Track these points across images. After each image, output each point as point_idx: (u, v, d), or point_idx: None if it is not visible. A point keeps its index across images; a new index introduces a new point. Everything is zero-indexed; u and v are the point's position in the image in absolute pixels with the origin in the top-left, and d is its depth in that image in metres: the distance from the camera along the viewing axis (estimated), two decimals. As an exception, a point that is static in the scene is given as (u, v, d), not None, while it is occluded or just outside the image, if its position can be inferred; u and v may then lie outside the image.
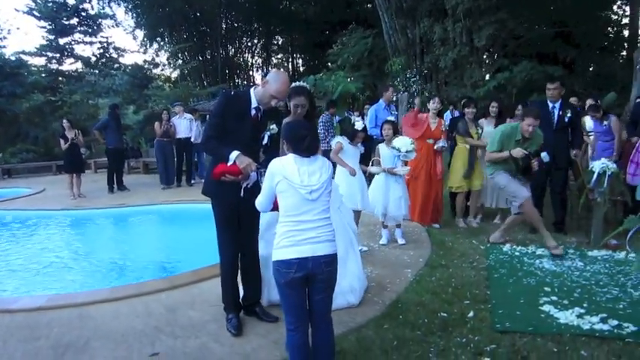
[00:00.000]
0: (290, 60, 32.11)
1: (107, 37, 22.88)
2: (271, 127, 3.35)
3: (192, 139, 10.22)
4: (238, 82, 29.73)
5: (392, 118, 5.92)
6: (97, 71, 22.98)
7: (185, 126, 10.22)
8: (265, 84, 3.16)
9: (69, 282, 5.07)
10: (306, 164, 2.53)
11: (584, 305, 3.44)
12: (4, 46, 20.30)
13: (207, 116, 11.28)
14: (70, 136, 9.19)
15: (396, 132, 5.16)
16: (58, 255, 6.01)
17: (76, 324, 3.56)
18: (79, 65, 23.03)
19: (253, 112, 3.24)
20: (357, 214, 4.80)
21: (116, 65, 23.74)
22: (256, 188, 3.32)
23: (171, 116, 10.29)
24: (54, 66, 22.22)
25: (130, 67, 23.66)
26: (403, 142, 4.90)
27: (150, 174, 12.67)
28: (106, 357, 3.07)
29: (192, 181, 10.56)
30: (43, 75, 21.07)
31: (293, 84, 3.78)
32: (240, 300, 3.52)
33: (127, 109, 24.41)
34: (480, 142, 5.70)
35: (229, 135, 3.15)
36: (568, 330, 3.09)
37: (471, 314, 3.41)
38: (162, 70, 27.29)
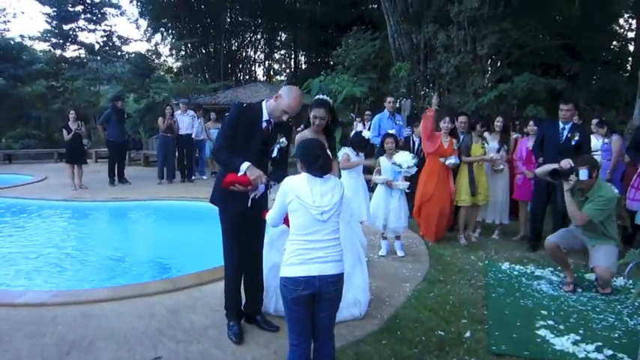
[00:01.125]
0: (292, 57, 32.06)
1: (111, 26, 23.04)
2: (281, 140, 3.40)
3: (193, 136, 10.27)
4: (240, 77, 29.68)
5: (393, 132, 5.94)
6: (99, 58, 22.99)
7: (187, 122, 10.28)
8: (278, 98, 3.21)
9: (67, 275, 5.14)
10: (319, 184, 2.58)
11: (580, 332, 3.51)
12: (8, 29, 20.27)
13: (211, 113, 11.33)
14: (74, 127, 9.19)
15: (397, 146, 5.21)
16: (56, 247, 6.06)
17: (80, 322, 3.61)
18: (82, 52, 23.04)
19: (264, 124, 3.29)
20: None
21: (119, 53, 23.76)
22: (263, 199, 3.40)
23: (175, 111, 10.33)
24: (57, 51, 22.24)
25: (132, 55, 23.65)
26: (404, 158, 4.95)
27: (150, 166, 12.72)
28: (108, 358, 3.13)
29: (193, 177, 10.61)
30: (45, 60, 21.01)
31: (316, 97, 3.85)
32: (242, 308, 3.59)
33: (127, 97, 24.49)
34: (475, 158, 5.77)
35: (240, 146, 3.20)
36: (564, 357, 3.16)
37: (467, 334, 3.48)
38: (164, 60, 27.34)
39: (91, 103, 21.91)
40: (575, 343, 3.34)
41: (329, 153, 2.78)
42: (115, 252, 5.90)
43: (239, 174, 3.06)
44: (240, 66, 29.68)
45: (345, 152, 4.78)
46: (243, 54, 29.28)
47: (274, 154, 3.42)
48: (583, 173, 4.11)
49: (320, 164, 2.57)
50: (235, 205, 3.28)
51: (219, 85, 19.80)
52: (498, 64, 14.54)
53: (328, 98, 3.79)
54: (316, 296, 2.54)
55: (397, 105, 8.95)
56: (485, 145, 5.78)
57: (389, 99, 7.45)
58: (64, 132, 9.25)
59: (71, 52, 22.84)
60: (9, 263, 5.47)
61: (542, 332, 3.50)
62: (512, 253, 5.48)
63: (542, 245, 5.40)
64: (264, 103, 3.32)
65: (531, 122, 6.23)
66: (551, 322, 3.66)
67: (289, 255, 2.54)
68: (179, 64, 26.47)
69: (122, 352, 3.21)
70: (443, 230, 5.99)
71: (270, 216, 2.73)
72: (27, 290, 4.24)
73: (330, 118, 3.74)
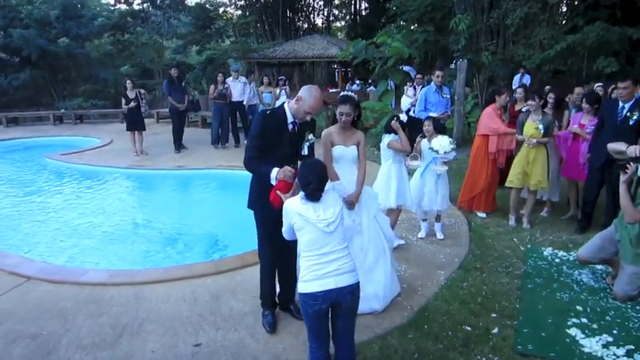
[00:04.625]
0: (353, 3, 31.03)
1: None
2: (309, 137, 3.48)
3: (244, 102, 10.44)
4: (299, 25, 29.32)
5: (434, 114, 5.76)
6: (160, 13, 23.52)
7: (239, 89, 10.44)
8: (299, 101, 3.27)
9: (126, 249, 5.62)
10: (316, 202, 2.68)
11: (614, 332, 3.42)
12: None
13: (264, 77, 11.37)
14: (131, 96, 9.66)
15: (437, 129, 5.03)
16: (117, 219, 6.61)
17: (133, 305, 3.99)
18: (145, 7, 23.59)
19: (290, 126, 3.37)
20: (397, 212, 4.85)
21: (180, 7, 24.16)
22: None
23: (226, 78, 10.51)
24: (122, 6, 22.95)
25: (192, 5, 23.91)
26: (442, 144, 4.80)
27: (207, 128, 13.13)
28: (155, 342, 3.47)
29: (245, 142, 10.91)
30: (107, 15, 21.67)
31: (341, 93, 3.82)
32: (277, 297, 3.80)
33: (190, 50, 25.08)
34: (524, 138, 5.41)
35: (270, 151, 3.28)
36: (590, 362, 3.12)
37: (495, 330, 3.50)
38: (224, 11, 27.44)
39: (155, 58, 22.68)
40: (606, 345, 3.28)
41: (327, 175, 2.78)
42: (170, 225, 6.34)
43: (273, 182, 3.13)
44: (300, 14, 29.23)
45: (391, 139, 4.62)
46: (303, 1, 28.73)
47: (305, 151, 3.50)
48: None
49: (309, 191, 2.66)
50: (269, 207, 3.39)
51: (272, 44, 19.68)
52: (568, 12, 13.31)
53: (353, 94, 3.72)
54: (334, 306, 2.66)
55: (453, 66, 8.54)
56: (539, 125, 5.28)
57: (438, 73, 7.11)
58: (123, 100, 9.75)
59: (135, 6, 23.46)
60: (74, 236, 6.02)
61: (572, 331, 3.45)
62: (558, 235, 5.29)
63: (591, 228, 5.22)
64: (286, 105, 3.39)
65: (578, 91, 5.73)
66: (584, 320, 3.59)
67: (305, 271, 2.66)
68: (239, 12, 26.61)
69: (167, 337, 3.54)
70: (482, 203, 5.94)
71: (283, 230, 2.87)
72: (88, 269, 4.70)
73: (357, 113, 3.71)
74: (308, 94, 3.25)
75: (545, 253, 4.83)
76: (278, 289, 3.81)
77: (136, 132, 10.01)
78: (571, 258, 4.70)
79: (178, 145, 10.51)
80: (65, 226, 6.33)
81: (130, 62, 22.01)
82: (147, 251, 5.53)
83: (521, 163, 5.45)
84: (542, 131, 5.29)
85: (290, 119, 3.34)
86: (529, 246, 5.03)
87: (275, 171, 3.13)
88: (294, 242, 3.07)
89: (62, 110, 16.17)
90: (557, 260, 4.69)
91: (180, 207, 7.40)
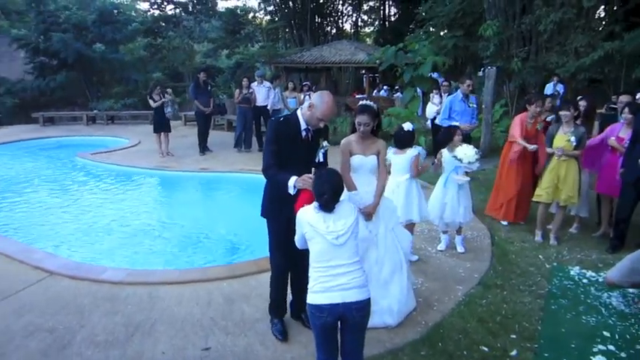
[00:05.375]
0: (382, 8, 30.94)
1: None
2: (324, 144, 3.43)
3: (268, 107, 10.49)
4: (328, 31, 29.41)
5: (457, 123, 5.62)
6: (192, 18, 24.10)
7: (263, 94, 10.49)
8: (312, 108, 3.22)
9: (145, 248, 5.68)
10: (329, 213, 2.62)
11: (643, 363, 3.23)
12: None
13: (289, 83, 11.38)
14: (157, 99, 9.85)
15: (463, 138, 4.89)
16: (139, 219, 6.70)
17: (147, 304, 4.01)
18: (177, 12, 24.23)
19: (304, 133, 3.32)
20: (412, 225, 4.72)
21: (211, 12, 24.69)
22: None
23: (251, 82, 10.58)
24: (155, 11, 23.66)
25: (223, 11, 24.48)
26: (467, 153, 4.65)
27: (232, 131, 13.25)
28: (165, 344, 3.47)
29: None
30: (140, 20, 22.34)
31: (360, 102, 3.74)
32: (288, 304, 3.75)
33: (220, 54, 25.56)
34: (553, 150, 5.20)
35: (285, 158, 3.24)
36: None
37: (513, 352, 3.35)
38: (253, 16, 27.85)
39: (186, 61, 23.18)
40: (632, 379, 3.08)
41: (343, 186, 2.72)
42: (189, 227, 6.38)
43: (290, 191, 3.09)
44: (328, 20, 29.32)
45: (417, 152, 4.46)
46: (331, 7, 28.82)
47: (320, 159, 3.45)
48: None
49: (323, 201, 2.60)
50: (282, 216, 3.36)
51: (300, 49, 19.82)
52: (607, 18, 12.85)
53: (372, 104, 3.64)
54: (342, 320, 2.59)
55: (481, 74, 8.36)
56: (571, 138, 5.06)
57: (468, 82, 6.94)
58: (150, 101, 9.98)
59: (168, 11, 24.13)
60: (96, 233, 6.14)
61: (597, 359, 3.26)
62: (587, 254, 5.05)
63: (624, 247, 4.97)
64: (299, 112, 3.34)
65: (622, 99, 5.46)
66: (612, 348, 3.39)
67: (313, 282, 2.61)
68: (268, 17, 26.97)
69: (177, 339, 3.53)
70: (523, 211, 5.84)
71: (296, 239, 2.84)
72: (107, 267, 4.75)
73: (376, 123, 3.63)
74: (320, 100, 3.20)
75: (572, 273, 4.60)
76: (290, 297, 3.76)
77: (162, 133, 10.17)
78: (600, 279, 4.46)
79: (203, 147, 10.62)
80: (88, 224, 6.46)
81: (161, 65, 22.58)
82: (165, 252, 5.57)
83: (550, 176, 5.23)
84: (574, 144, 5.06)
85: (303, 126, 3.30)
86: (555, 264, 4.81)
87: (293, 179, 3.08)
88: (307, 251, 3.02)
89: (95, 111, 16.64)
90: (584, 281, 4.45)
91: (200, 209, 7.45)
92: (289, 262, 3.52)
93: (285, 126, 3.28)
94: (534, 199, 5.45)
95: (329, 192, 2.59)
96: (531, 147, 5.48)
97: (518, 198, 5.82)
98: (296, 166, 3.18)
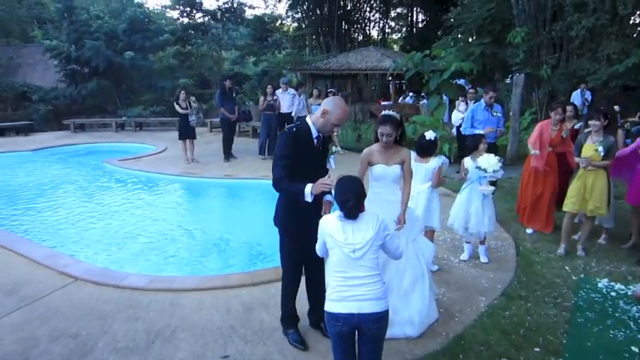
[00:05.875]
0: (409, 15, 30.83)
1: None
2: (333, 149, 3.45)
3: (293, 114, 10.55)
4: (354, 37, 29.47)
5: (480, 131, 5.56)
6: (220, 26, 24.59)
7: (288, 101, 10.59)
8: (325, 114, 3.20)
9: (168, 254, 5.75)
10: (352, 222, 2.60)
11: (675, 379, 3.09)
12: (145, 2, 22.46)
13: (314, 89, 11.41)
14: (183, 106, 10.02)
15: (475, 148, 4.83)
16: (163, 223, 6.81)
17: (168, 311, 4.07)
18: (205, 20, 24.78)
19: (315, 141, 3.32)
20: (432, 232, 4.66)
21: (239, 20, 25.17)
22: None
23: (275, 90, 10.68)
24: (184, 19, 24.26)
25: (251, 18, 25.06)
26: (490, 162, 4.57)
27: (257, 138, 13.36)
28: (185, 351, 3.50)
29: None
30: (170, 30, 22.93)
31: (382, 112, 3.70)
32: (307, 313, 3.74)
33: (247, 61, 25.99)
34: (578, 159, 5.06)
35: (298, 168, 3.21)
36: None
37: (537, 367, 3.26)
38: (281, 24, 28.21)
39: (213, 68, 23.60)
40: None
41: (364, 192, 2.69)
42: (212, 233, 6.45)
43: (305, 198, 3.06)
44: (355, 27, 29.41)
45: (442, 162, 4.42)
46: (358, 14, 28.91)
47: (332, 165, 3.46)
48: None
49: (347, 209, 2.58)
50: (296, 229, 3.36)
51: (326, 56, 19.96)
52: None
53: (395, 114, 3.60)
54: (358, 330, 2.57)
55: (509, 80, 8.20)
56: (599, 148, 4.89)
57: (491, 94, 6.82)
58: (176, 106, 10.16)
59: (197, 20, 24.67)
60: (120, 239, 6.25)
61: (625, 376, 3.15)
62: (616, 266, 4.88)
63: (656, 260, 4.79)
64: (308, 119, 3.34)
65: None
66: (641, 364, 3.27)
67: (330, 290, 2.61)
68: (295, 24, 27.28)
69: (197, 346, 3.56)
70: (541, 219, 5.79)
71: (317, 247, 2.82)
72: (130, 273, 4.85)
73: (399, 132, 3.59)
74: (333, 105, 3.20)
75: (599, 285, 4.45)
76: (308, 307, 3.76)
77: (187, 140, 10.35)
78: (629, 292, 4.30)
79: (228, 154, 10.76)
80: (113, 229, 6.60)
81: (189, 73, 23.04)
82: (187, 258, 5.64)
83: (577, 186, 5.08)
84: (602, 154, 4.90)
85: (315, 134, 3.29)
86: (582, 276, 4.66)
87: (309, 187, 3.06)
88: (321, 261, 3.02)
89: (124, 118, 17.05)
90: (613, 294, 4.30)
91: (223, 216, 7.54)
92: (300, 272, 3.52)
93: (297, 137, 3.25)
94: (563, 208, 5.28)
95: (353, 198, 2.57)
96: (533, 151, 5.61)
97: (536, 205, 5.80)
98: (308, 174, 3.17)
